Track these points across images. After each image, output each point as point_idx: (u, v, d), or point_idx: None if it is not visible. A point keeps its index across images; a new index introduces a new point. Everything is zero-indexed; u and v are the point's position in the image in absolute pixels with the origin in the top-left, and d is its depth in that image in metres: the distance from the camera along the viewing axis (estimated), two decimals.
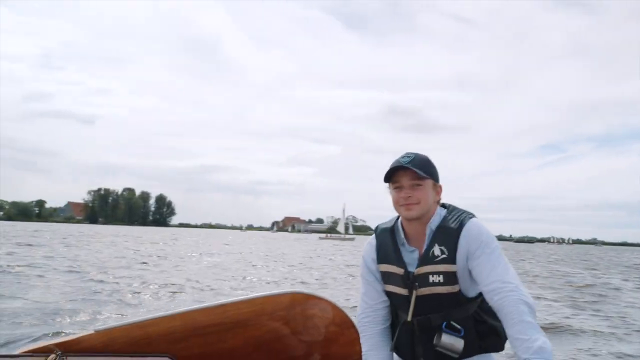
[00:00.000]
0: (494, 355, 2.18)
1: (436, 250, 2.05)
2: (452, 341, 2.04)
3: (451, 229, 2.05)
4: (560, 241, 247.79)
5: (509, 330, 1.84)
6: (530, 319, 1.81)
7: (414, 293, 2.07)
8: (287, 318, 2.89)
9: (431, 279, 2.05)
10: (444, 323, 2.06)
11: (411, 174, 2.05)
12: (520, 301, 1.85)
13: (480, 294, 2.09)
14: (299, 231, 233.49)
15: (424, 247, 2.09)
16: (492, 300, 1.92)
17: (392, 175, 2.10)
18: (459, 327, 2.06)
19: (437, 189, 2.14)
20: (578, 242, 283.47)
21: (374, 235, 2.28)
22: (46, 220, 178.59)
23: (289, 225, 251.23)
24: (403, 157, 2.10)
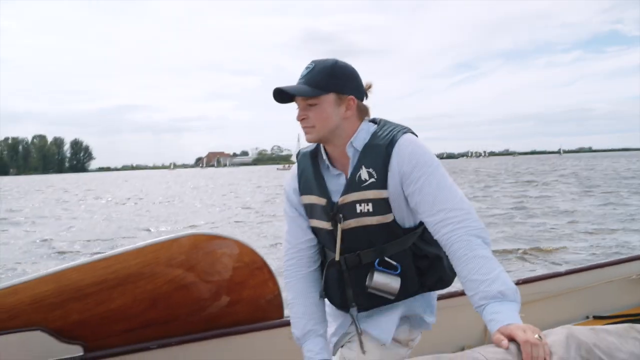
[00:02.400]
0: (437, 293, 1.89)
1: (363, 173, 1.69)
2: (386, 280, 1.70)
3: (380, 147, 1.69)
4: (477, 155, 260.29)
5: (461, 271, 1.53)
6: (484, 253, 1.51)
7: (339, 226, 1.72)
8: (188, 264, 2.48)
9: (358, 208, 1.69)
10: (377, 260, 1.72)
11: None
12: (471, 233, 1.54)
13: (420, 224, 1.76)
14: (225, 165, 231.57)
15: (350, 170, 1.73)
16: (439, 234, 1.60)
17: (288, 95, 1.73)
18: (395, 263, 1.72)
19: (347, 102, 1.72)
20: (492, 154, 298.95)
21: (296, 162, 1.91)
22: None
23: (213, 160, 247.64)
24: (305, 69, 1.72)
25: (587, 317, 3.28)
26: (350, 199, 1.70)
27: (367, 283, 1.71)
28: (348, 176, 1.73)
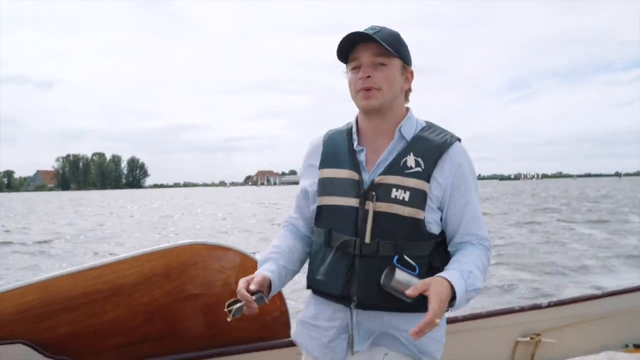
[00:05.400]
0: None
1: (410, 160, 1.56)
2: (408, 278, 1.47)
3: (434, 142, 1.60)
4: (531, 177, 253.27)
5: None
6: (478, 254, 1.57)
7: (372, 205, 1.54)
8: (187, 275, 2.33)
9: (394, 193, 1.54)
10: (397, 257, 1.53)
11: (374, 47, 1.54)
12: (482, 250, 1.60)
13: (441, 234, 1.62)
14: (275, 184, 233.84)
15: (387, 149, 1.60)
16: (454, 249, 1.63)
17: (348, 50, 1.58)
18: (414, 264, 1.53)
19: (408, 74, 1.64)
20: (545, 176, 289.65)
21: (321, 138, 1.76)
22: (17, 190, 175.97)
23: (263, 179, 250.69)
24: (366, 29, 1.57)
25: (627, 346, 2.95)
26: (388, 180, 1.55)
27: (383, 281, 1.49)
28: (392, 158, 1.58)
